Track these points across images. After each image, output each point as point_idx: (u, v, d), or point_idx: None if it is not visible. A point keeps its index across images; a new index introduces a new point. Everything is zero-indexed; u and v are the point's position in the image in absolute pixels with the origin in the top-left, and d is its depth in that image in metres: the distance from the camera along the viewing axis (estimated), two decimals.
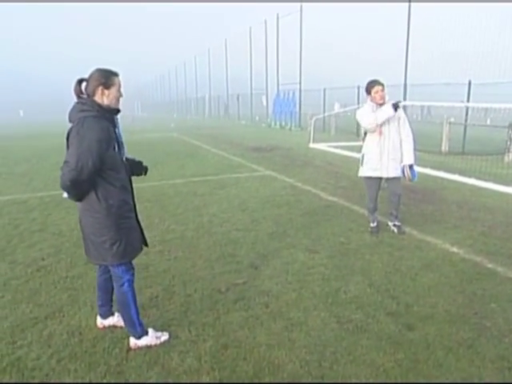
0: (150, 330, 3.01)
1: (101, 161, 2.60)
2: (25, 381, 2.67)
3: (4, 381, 2.67)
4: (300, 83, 23.56)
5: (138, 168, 3.17)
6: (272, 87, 28.15)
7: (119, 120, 2.88)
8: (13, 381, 2.67)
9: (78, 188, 2.63)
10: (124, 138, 2.91)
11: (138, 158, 3.19)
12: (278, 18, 25.46)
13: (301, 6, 22.70)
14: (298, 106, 23.55)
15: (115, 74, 2.73)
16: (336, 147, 13.79)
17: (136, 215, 3.01)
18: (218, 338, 3.05)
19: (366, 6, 23.90)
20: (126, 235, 2.81)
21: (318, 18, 23.71)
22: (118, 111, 2.79)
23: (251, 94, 30.87)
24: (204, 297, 3.67)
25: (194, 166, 10.79)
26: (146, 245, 3.16)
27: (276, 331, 3.13)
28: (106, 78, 2.68)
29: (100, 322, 3.22)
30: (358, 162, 5.32)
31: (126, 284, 2.89)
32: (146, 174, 3.24)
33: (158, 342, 2.97)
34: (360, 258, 4.43)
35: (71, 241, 5.20)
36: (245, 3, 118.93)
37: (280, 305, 3.52)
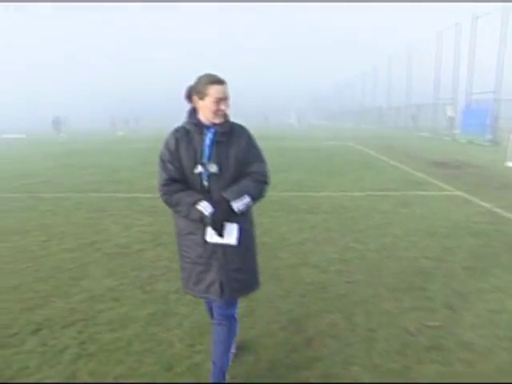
0: None
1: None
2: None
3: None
4: (496, 92, 20.60)
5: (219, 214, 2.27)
6: (457, 97, 25.45)
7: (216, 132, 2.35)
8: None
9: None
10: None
11: (232, 200, 2.28)
12: (473, 20, 22.75)
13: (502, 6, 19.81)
14: (492, 118, 20.65)
15: (213, 82, 2.27)
16: None
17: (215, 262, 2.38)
18: None
19: None
20: (184, 270, 2.51)
21: None
22: (216, 125, 2.33)
23: (434, 104, 28.42)
24: (390, 336, 3.18)
25: (373, 178, 10.19)
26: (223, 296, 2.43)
27: None
28: (202, 85, 2.29)
29: None
30: None
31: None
32: (219, 233, 2.29)
33: None
34: None
35: None
36: (432, 3, 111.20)
37: (488, 366, 2.82)
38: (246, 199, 2.30)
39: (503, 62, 20.32)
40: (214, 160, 2.30)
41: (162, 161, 2.37)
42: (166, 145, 2.38)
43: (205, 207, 2.24)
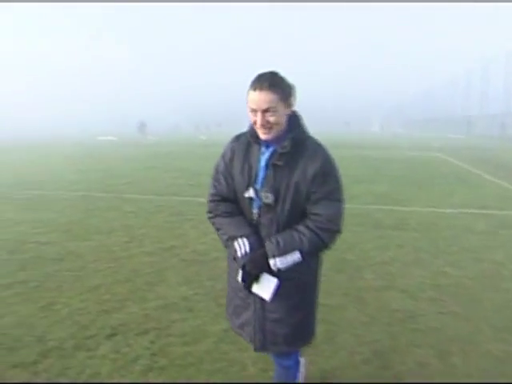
0: None
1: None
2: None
3: None
4: None
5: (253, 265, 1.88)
6: None
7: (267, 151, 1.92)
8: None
9: None
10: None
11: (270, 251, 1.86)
12: None
13: None
14: None
15: (250, 87, 1.81)
16: None
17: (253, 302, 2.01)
18: None
19: None
20: (228, 294, 2.23)
21: None
22: (264, 140, 1.89)
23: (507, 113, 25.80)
24: None
25: (466, 193, 9.31)
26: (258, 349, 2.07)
27: None
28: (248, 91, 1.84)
29: None
30: None
31: None
32: (247, 286, 1.93)
33: None
34: None
35: (330, 261, 4.90)
36: None
37: None
38: (294, 256, 1.82)
39: None
40: (270, 188, 1.84)
41: (216, 171, 2.02)
42: (223, 154, 2.02)
43: (241, 246, 1.86)
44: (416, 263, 4.78)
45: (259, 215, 1.89)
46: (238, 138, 2.00)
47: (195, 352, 3.04)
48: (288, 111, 1.86)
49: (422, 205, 8.01)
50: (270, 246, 1.83)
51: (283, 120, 1.84)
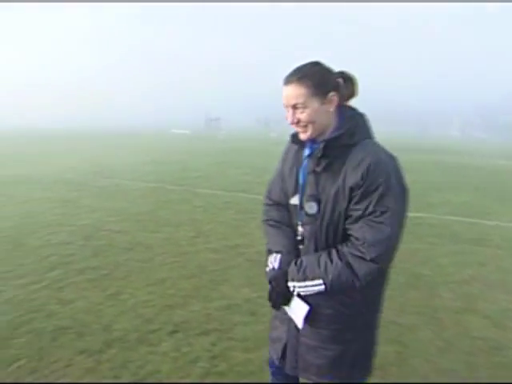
0: None
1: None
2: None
3: None
4: None
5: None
6: None
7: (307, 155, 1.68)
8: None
9: None
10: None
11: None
12: None
13: None
14: None
15: (283, 81, 1.60)
16: None
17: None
18: None
19: None
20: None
21: None
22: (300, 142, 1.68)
23: None
24: None
25: None
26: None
27: None
28: None
29: None
30: None
31: None
32: (272, 304, 1.74)
33: None
34: None
35: (405, 275, 4.58)
36: None
37: None
38: (316, 285, 1.55)
39: None
40: (312, 196, 1.60)
41: (274, 173, 1.86)
42: (283, 152, 1.85)
43: (272, 262, 1.70)
44: (500, 285, 4.32)
45: (303, 228, 1.65)
46: (293, 136, 1.72)
47: (256, 359, 2.92)
48: (329, 107, 1.57)
49: (507, 219, 7.32)
50: (292, 268, 1.62)
51: (322, 118, 1.57)
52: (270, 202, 1.84)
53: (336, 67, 1.62)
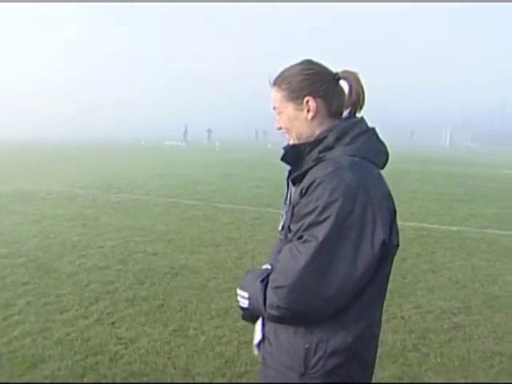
0: None
1: None
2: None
3: None
4: None
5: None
6: None
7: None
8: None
9: None
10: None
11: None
12: None
13: None
14: None
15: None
16: None
17: None
18: None
19: None
20: None
21: None
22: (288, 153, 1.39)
23: None
24: None
25: None
26: None
27: None
28: None
29: None
30: None
31: None
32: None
33: None
34: None
35: (480, 297, 4.24)
36: None
37: None
38: (244, 297, 1.32)
39: None
40: (286, 212, 1.38)
41: None
42: None
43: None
44: None
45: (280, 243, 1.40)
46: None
47: None
48: (307, 114, 1.31)
49: None
50: (250, 272, 1.39)
51: (298, 125, 1.34)
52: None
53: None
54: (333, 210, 1.13)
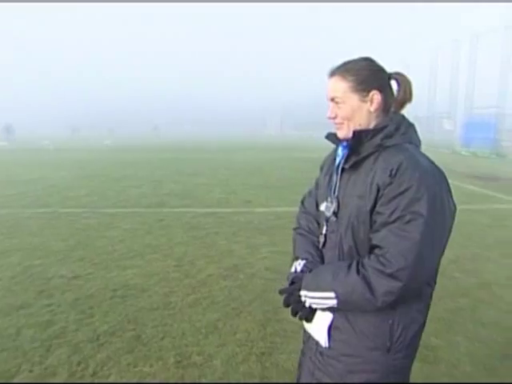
0: None
1: None
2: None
3: None
4: (500, 107, 21.36)
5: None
6: (455, 111, 26.29)
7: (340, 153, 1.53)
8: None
9: None
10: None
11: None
12: (476, 37, 23.55)
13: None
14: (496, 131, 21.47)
15: None
16: None
17: None
18: None
19: None
20: None
21: None
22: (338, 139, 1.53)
23: (429, 117, 29.15)
24: None
25: None
26: None
27: None
28: None
29: None
30: None
31: None
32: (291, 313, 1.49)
33: None
34: None
35: None
36: None
37: None
38: (327, 297, 1.35)
39: (506, 77, 21.07)
40: (334, 198, 1.44)
41: (316, 179, 1.71)
42: (322, 160, 1.69)
43: (297, 265, 1.53)
44: None
45: (326, 234, 1.47)
46: (329, 134, 1.57)
47: None
48: (370, 107, 1.41)
49: None
50: (307, 274, 1.45)
51: (360, 117, 1.41)
52: (303, 210, 1.71)
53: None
54: (425, 188, 1.25)
